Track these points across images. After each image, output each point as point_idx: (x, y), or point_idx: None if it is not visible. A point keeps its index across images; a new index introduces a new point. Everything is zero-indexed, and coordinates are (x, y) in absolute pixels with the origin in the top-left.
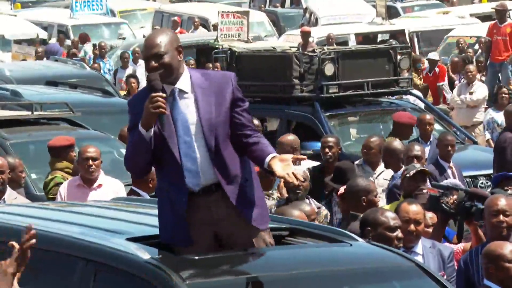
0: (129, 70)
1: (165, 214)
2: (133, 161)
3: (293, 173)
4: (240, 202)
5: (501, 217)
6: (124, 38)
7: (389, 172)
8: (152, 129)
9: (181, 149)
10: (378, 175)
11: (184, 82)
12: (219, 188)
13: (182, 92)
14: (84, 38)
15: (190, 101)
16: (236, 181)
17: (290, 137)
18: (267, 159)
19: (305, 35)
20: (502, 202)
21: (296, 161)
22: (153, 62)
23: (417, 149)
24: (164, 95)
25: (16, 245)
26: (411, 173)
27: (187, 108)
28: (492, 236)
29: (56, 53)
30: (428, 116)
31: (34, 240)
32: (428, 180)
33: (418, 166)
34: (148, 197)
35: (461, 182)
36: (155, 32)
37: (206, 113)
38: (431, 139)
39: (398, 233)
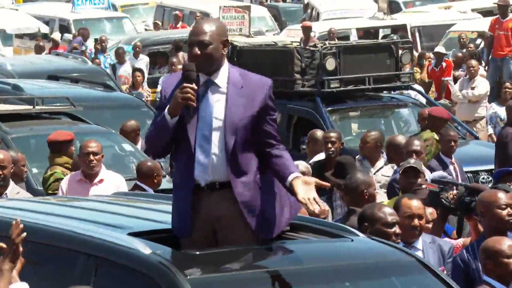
0: (127, 65)
1: (174, 203)
2: (153, 142)
3: (314, 198)
4: (247, 206)
5: (510, 209)
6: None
7: (389, 168)
8: (177, 117)
9: (197, 141)
10: (377, 171)
11: (220, 77)
12: (224, 187)
13: (215, 85)
14: (87, 35)
15: (221, 96)
16: (247, 185)
17: (320, 133)
18: (290, 178)
19: (307, 30)
20: (505, 196)
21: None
22: (196, 49)
23: (416, 144)
24: (195, 87)
25: (3, 245)
26: (403, 169)
27: (216, 103)
28: (499, 230)
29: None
30: (428, 111)
31: (24, 234)
32: (424, 175)
33: (412, 161)
34: (152, 192)
35: (462, 178)
36: (205, 20)
37: (232, 113)
38: None
39: (396, 229)
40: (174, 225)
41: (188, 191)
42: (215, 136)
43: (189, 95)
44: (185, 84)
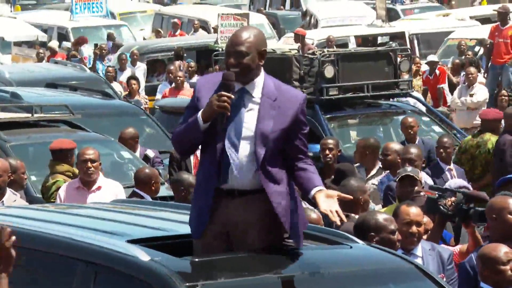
0: (127, 72)
1: (193, 203)
2: (180, 141)
3: (336, 211)
4: (284, 215)
5: None
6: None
7: (381, 177)
8: (209, 122)
9: (225, 148)
10: (368, 179)
11: (255, 87)
12: (244, 194)
13: (249, 95)
14: (113, 38)
15: (254, 107)
16: (281, 195)
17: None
18: (313, 191)
19: (299, 37)
20: None
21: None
22: (232, 59)
23: (410, 152)
24: (232, 96)
25: None
26: (398, 177)
27: (248, 112)
28: (508, 236)
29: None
30: (410, 119)
31: (14, 237)
32: (421, 183)
33: (409, 169)
34: (150, 199)
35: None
36: (245, 29)
37: (263, 125)
38: (417, 142)
39: (398, 235)
40: (190, 226)
41: (208, 194)
42: (243, 145)
43: (226, 104)
44: (222, 93)
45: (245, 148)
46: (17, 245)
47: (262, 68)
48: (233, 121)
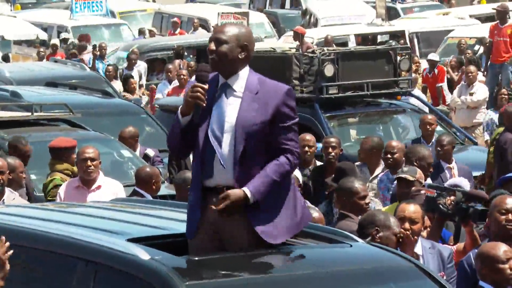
0: (134, 72)
1: (188, 203)
2: (170, 140)
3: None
4: (251, 210)
5: (510, 216)
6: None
7: (380, 175)
8: (189, 117)
9: (207, 143)
10: (373, 178)
11: (237, 81)
12: None
13: (231, 89)
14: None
15: (236, 100)
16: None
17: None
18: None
19: (298, 35)
20: (510, 201)
21: None
22: (212, 45)
23: (419, 152)
24: (205, 87)
25: None
26: (394, 177)
27: (229, 106)
28: (499, 235)
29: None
30: (430, 116)
31: (11, 251)
32: (420, 182)
33: (405, 169)
34: (150, 198)
35: (469, 181)
36: (232, 23)
37: (243, 117)
38: (433, 139)
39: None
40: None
41: (197, 192)
42: (226, 139)
43: (198, 94)
44: (195, 83)
45: (227, 142)
46: (18, 243)
47: (247, 64)
48: (215, 116)
